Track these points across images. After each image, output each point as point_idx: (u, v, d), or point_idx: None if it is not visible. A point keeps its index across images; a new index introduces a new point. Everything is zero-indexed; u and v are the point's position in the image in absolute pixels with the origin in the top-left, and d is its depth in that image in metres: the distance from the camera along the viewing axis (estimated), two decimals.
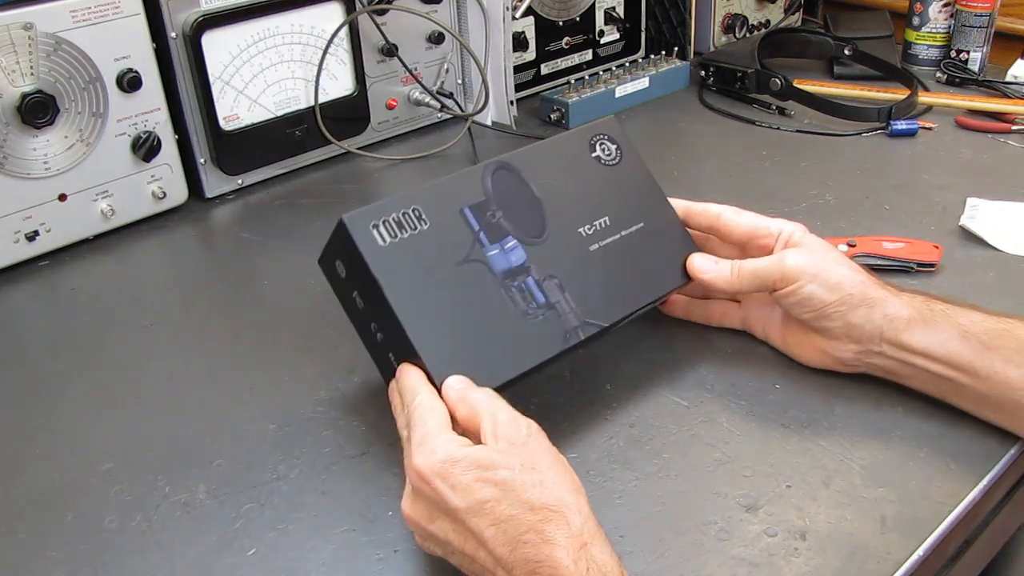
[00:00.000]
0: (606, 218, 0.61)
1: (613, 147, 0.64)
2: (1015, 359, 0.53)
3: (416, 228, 0.54)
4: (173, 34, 0.83)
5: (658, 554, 0.48)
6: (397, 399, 0.52)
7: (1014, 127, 0.98)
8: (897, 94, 1.05)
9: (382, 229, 0.53)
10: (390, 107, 1.01)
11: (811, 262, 0.57)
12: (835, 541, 0.48)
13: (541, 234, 0.58)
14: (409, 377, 0.51)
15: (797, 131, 1.01)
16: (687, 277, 0.62)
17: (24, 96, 0.75)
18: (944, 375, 0.55)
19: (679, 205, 0.64)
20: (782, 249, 0.59)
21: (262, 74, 0.90)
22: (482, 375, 0.52)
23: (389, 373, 0.54)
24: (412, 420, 0.48)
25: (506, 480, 0.43)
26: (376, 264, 0.52)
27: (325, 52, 0.92)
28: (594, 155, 0.63)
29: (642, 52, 1.23)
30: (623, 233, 0.61)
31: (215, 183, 0.91)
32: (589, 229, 0.60)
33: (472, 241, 0.56)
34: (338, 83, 0.95)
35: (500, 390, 0.53)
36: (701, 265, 0.62)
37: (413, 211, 0.55)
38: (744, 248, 0.63)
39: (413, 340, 0.51)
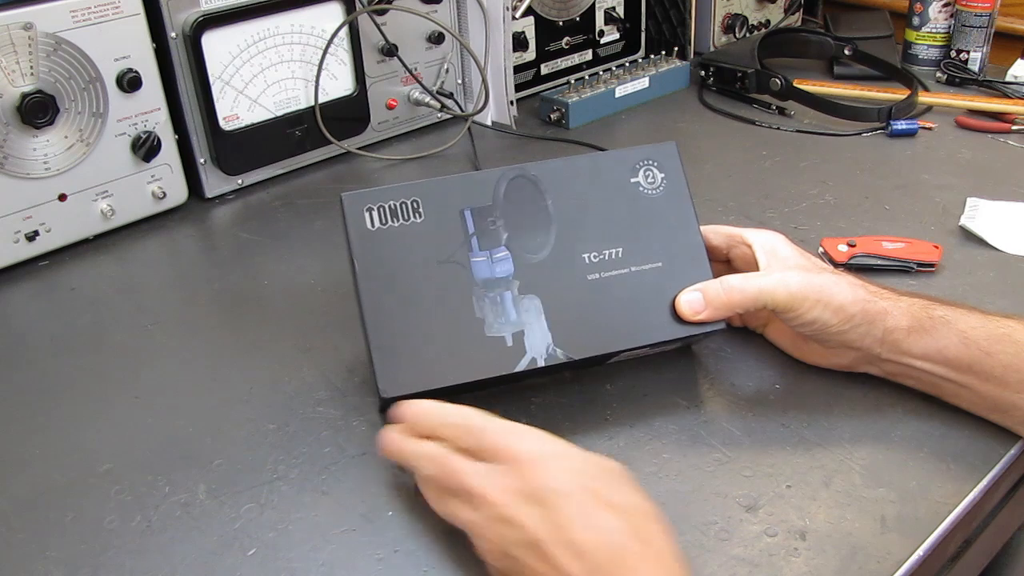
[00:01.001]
0: (619, 249, 0.58)
1: (659, 176, 0.60)
2: (1015, 363, 0.53)
3: (409, 219, 0.55)
4: (173, 34, 0.83)
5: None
6: (405, 433, 0.50)
7: (1014, 127, 0.98)
8: (897, 94, 1.05)
9: (375, 213, 0.54)
10: (390, 107, 1.01)
11: (811, 285, 0.55)
12: (835, 541, 0.48)
13: (539, 251, 0.57)
14: (424, 404, 0.51)
15: (797, 131, 1.01)
16: (692, 331, 0.58)
17: (24, 96, 0.75)
18: (945, 377, 0.55)
19: None
20: (766, 262, 0.58)
21: (262, 74, 0.90)
22: (421, 374, 0.53)
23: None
24: (488, 432, 0.47)
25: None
26: (357, 245, 0.54)
27: (325, 52, 0.92)
28: (634, 180, 0.60)
29: (642, 52, 1.23)
30: (633, 269, 0.58)
31: (215, 183, 0.91)
32: (595, 257, 0.58)
33: (461, 243, 0.55)
34: (338, 83, 0.95)
35: (445, 396, 0.53)
36: (690, 306, 0.57)
37: (412, 202, 0.55)
38: (728, 261, 0.63)
39: (367, 323, 0.53)
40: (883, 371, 0.58)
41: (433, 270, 0.55)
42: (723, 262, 0.63)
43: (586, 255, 0.57)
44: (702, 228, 0.61)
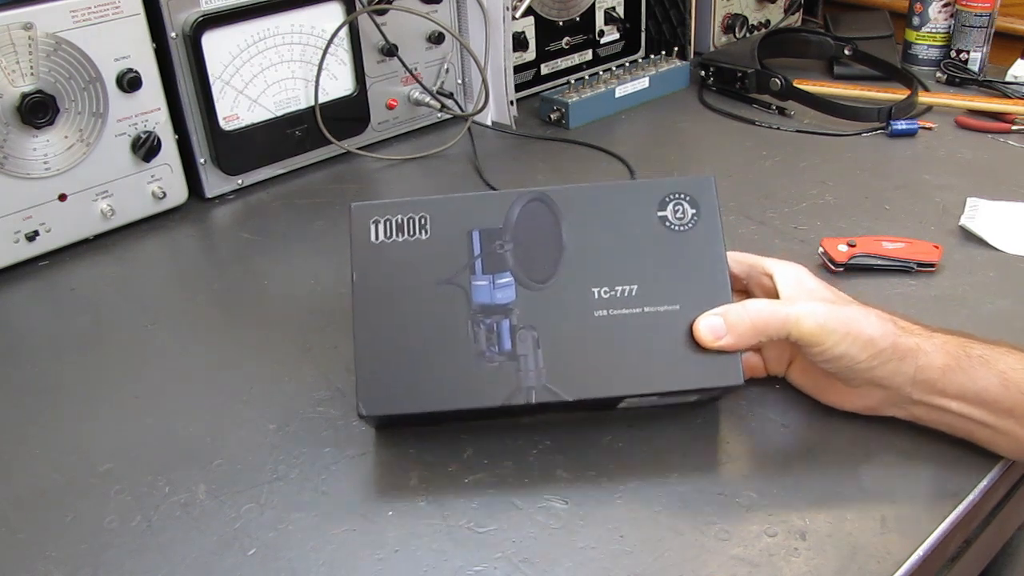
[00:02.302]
0: (634, 287, 0.54)
1: (690, 212, 0.55)
2: None
3: (415, 235, 0.54)
4: (173, 34, 0.83)
5: (658, 554, 0.48)
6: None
7: (1014, 127, 0.98)
8: (897, 94, 1.05)
9: (381, 226, 0.54)
10: (390, 107, 1.01)
11: (839, 317, 0.51)
12: (835, 541, 0.48)
13: (545, 280, 0.54)
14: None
15: (797, 131, 1.01)
16: (702, 383, 0.53)
17: (24, 96, 0.75)
18: (982, 421, 0.51)
19: None
20: (789, 293, 0.54)
21: (262, 74, 0.90)
22: (403, 395, 0.51)
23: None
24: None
25: None
26: (359, 257, 0.53)
27: (325, 52, 0.92)
28: (661, 214, 0.55)
29: (642, 52, 1.23)
30: (646, 309, 0.53)
31: (215, 183, 0.91)
32: (606, 292, 0.54)
33: (465, 265, 0.53)
34: (338, 83, 0.95)
35: (428, 423, 0.53)
36: (712, 330, 0.52)
37: (420, 218, 0.54)
38: (747, 289, 0.59)
39: (356, 336, 0.52)
40: (912, 414, 0.54)
41: (432, 290, 0.53)
42: (740, 291, 0.59)
43: (596, 290, 0.54)
44: (744, 254, 0.58)
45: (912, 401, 0.52)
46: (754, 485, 0.52)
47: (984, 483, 0.52)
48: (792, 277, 0.55)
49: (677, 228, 0.55)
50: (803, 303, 0.52)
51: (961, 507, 0.50)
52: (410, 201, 0.54)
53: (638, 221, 0.55)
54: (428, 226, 0.54)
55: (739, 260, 0.58)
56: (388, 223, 0.54)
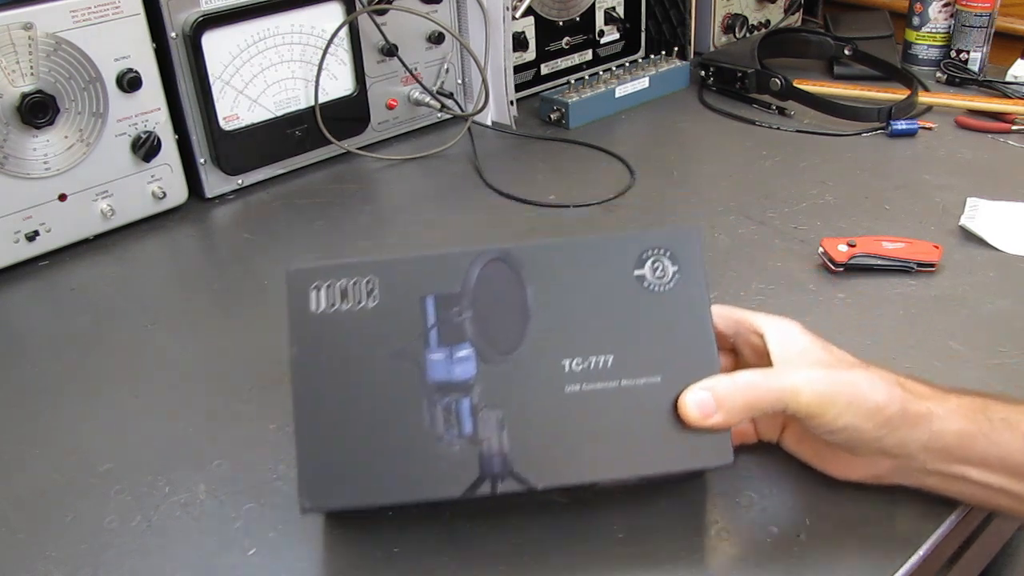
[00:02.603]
0: (609, 357, 0.48)
1: (672, 269, 0.49)
2: None
3: (361, 303, 0.48)
4: (173, 34, 0.83)
5: (658, 554, 0.48)
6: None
7: (1014, 127, 0.98)
8: (897, 94, 1.05)
9: (323, 293, 0.48)
10: (390, 107, 1.01)
11: (840, 384, 0.46)
12: (835, 541, 0.48)
13: (510, 352, 0.47)
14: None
15: (797, 131, 1.01)
16: (687, 465, 0.48)
17: (24, 96, 0.75)
18: (1005, 488, 0.46)
19: None
20: (782, 356, 0.48)
21: (262, 74, 0.90)
22: (351, 487, 0.46)
23: None
24: None
25: None
26: (298, 329, 0.47)
27: (325, 52, 0.92)
28: (638, 273, 0.49)
29: (642, 52, 1.23)
30: (623, 383, 0.48)
31: (215, 183, 0.91)
32: (578, 365, 0.48)
33: (418, 335, 0.47)
34: (338, 83, 0.95)
35: (381, 511, 0.49)
36: (700, 408, 0.47)
37: (367, 283, 0.48)
38: (734, 348, 0.54)
39: (296, 420, 0.46)
40: (924, 484, 0.48)
41: (382, 365, 0.47)
42: (727, 351, 0.54)
43: (567, 361, 0.48)
44: (734, 308, 0.53)
45: (926, 471, 0.47)
46: (754, 484, 0.52)
47: None
48: (785, 337, 0.49)
49: (656, 288, 0.49)
50: (799, 371, 0.47)
51: (961, 507, 0.50)
52: (355, 263, 0.48)
53: (613, 281, 0.49)
54: (376, 292, 0.48)
55: (725, 316, 0.53)
56: (330, 289, 0.48)
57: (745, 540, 0.49)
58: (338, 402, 0.47)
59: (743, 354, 0.53)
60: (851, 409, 0.45)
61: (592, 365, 0.48)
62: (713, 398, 0.46)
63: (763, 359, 0.49)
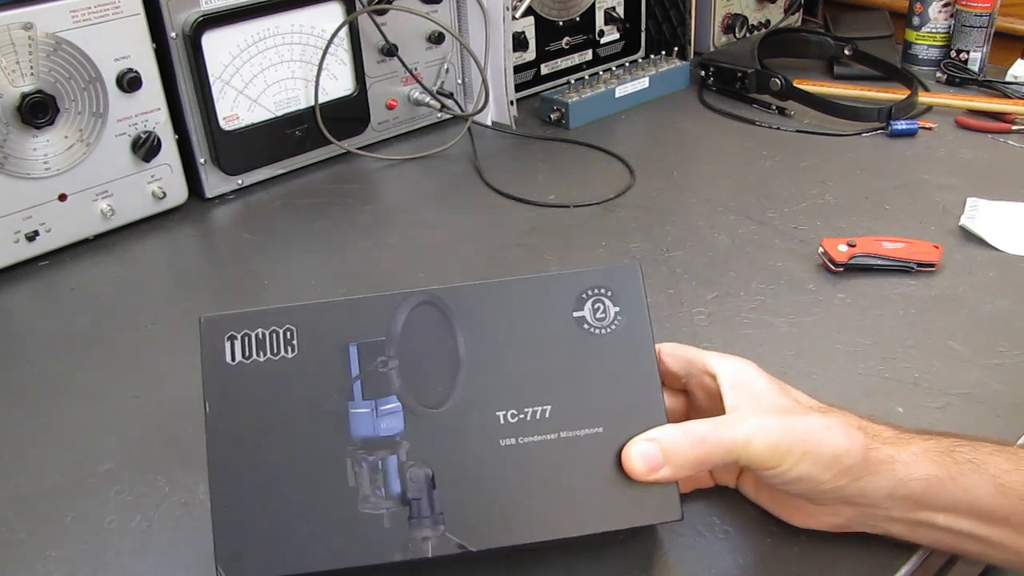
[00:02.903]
0: (547, 408, 0.45)
1: (613, 310, 0.46)
2: None
3: (278, 354, 0.44)
4: (173, 34, 0.83)
5: (658, 555, 0.48)
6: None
7: (1014, 127, 0.98)
8: (897, 94, 1.05)
9: (238, 343, 0.45)
10: (390, 107, 1.01)
11: (795, 433, 0.43)
12: (836, 541, 0.48)
13: (439, 404, 0.44)
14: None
15: (797, 131, 1.01)
16: (634, 522, 0.45)
17: (24, 96, 0.75)
18: (973, 534, 0.44)
19: None
20: (735, 402, 0.45)
21: (262, 74, 0.90)
22: (272, 555, 0.43)
23: None
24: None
25: None
26: (211, 383, 0.44)
27: (325, 52, 0.92)
28: (578, 315, 0.46)
29: (642, 52, 1.23)
30: (563, 435, 0.45)
31: (215, 183, 0.91)
32: (513, 416, 0.44)
33: (340, 388, 0.44)
34: (338, 83, 0.95)
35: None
36: (646, 460, 0.44)
37: (285, 332, 0.45)
38: (686, 389, 0.51)
39: (211, 482, 0.43)
40: (888, 531, 0.46)
41: (302, 421, 0.44)
42: (680, 391, 0.51)
43: (501, 414, 0.45)
44: (660, 348, 0.49)
45: (891, 519, 0.45)
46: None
47: None
48: (739, 380, 0.46)
49: (597, 331, 0.46)
50: (751, 419, 0.44)
51: None
52: (272, 311, 0.45)
53: (550, 324, 0.46)
54: (295, 341, 0.45)
55: (677, 355, 0.50)
56: (246, 339, 0.44)
57: (745, 540, 0.49)
58: (256, 462, 0.44)
59: (695, 396, 0.50)
60: (807, 459, 0.43)
61: (529, 416, 0.45)
62: (660, 450, 0.44)
63: (716, 401, 0.47)
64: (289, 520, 0.43)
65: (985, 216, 0.79)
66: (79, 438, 0.59)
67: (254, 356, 0.45)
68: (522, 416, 0.45)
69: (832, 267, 0.72)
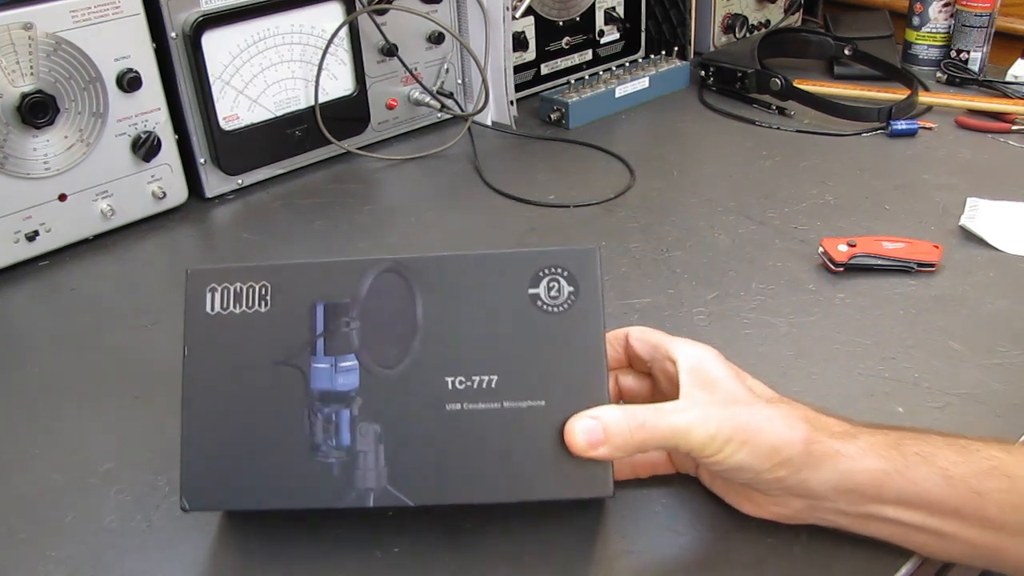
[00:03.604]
0: (494, 378, 0.47)
1: (567, 290, 0.47)
2: (1010, 501, 0.44)
3: (253, 307, 0.48)
4: (173, 34, 0.83)
5: (658, 555, 0.48)
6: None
7: (1014, 127, 0.98)
8: (897, 94, 1.05)
9: (218, 295, 0.48)
10: (390, 107, 1.01)
11: (735, 422, 0.44)
12: (836, 541, 0.48)
13: (394, 366, 0.47)
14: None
15: (797, 131, 1.01)
16: (564, 494, 0.46)
17: (24, 96, 0.75)
18: (924, 526, 0.45)
19: None
20: (688, 389, 0.47)
21: (262, 74, 0.90)
22: (230, 491, 0.47)
23: None
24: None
25: None
26: (192, 328, 0.48)
27: (325, 52, 0.92)
28: (533, 291, 0.47)
29: (642, 52, 1.23)
30: (505, 404, 0.46)
31: (215, 183, 0.91)
32: (460, 383, 0.47)
33: (306, 343, 0.47)
34: (338, 83, 0.95)
35: (258, 512, 0.50)
36: (588, 436, 0.45)
37: (261, 287, 0.48)
38: (651, 372, 0.52)
39: (184, 419, 0.48)
40: (838, 524, 0.47)
41: (268, 371, 0.47)
42: (645, 375, 0.53)
43: (450, 379, 0.47)
44: (630, 331, 0.51)
45: (839, 511, 0.46)
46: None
47: None
48: (696, 364, 0.48)
49: (550, 309, 0.47)
50: (694, 410, 0.45)
51: None
52: (251, 267, 0.49)
53: (506, 299, 0.47)
54: (268, 297, 0.48)
55: (644, 340, 0.51)
56: (226, 292, 0.48)
57: (746, 540, 0.49)
58: (224, 404, 0.47)
59: (658, 380, 0.52)
60: (745, 448, 0.44)
61: (476, 384, 0.47)
62: (602, 429, 0.45)
63: (675, 387, 0.48)
64: (249, 460, 0.47)
65: (985, 216, 0.79)
66: (79, 438, 0.59)
67: (231, 308, 0.48)
68: (469, 384, 0.47)
69: (832, 267, 0.72)
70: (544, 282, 0.48)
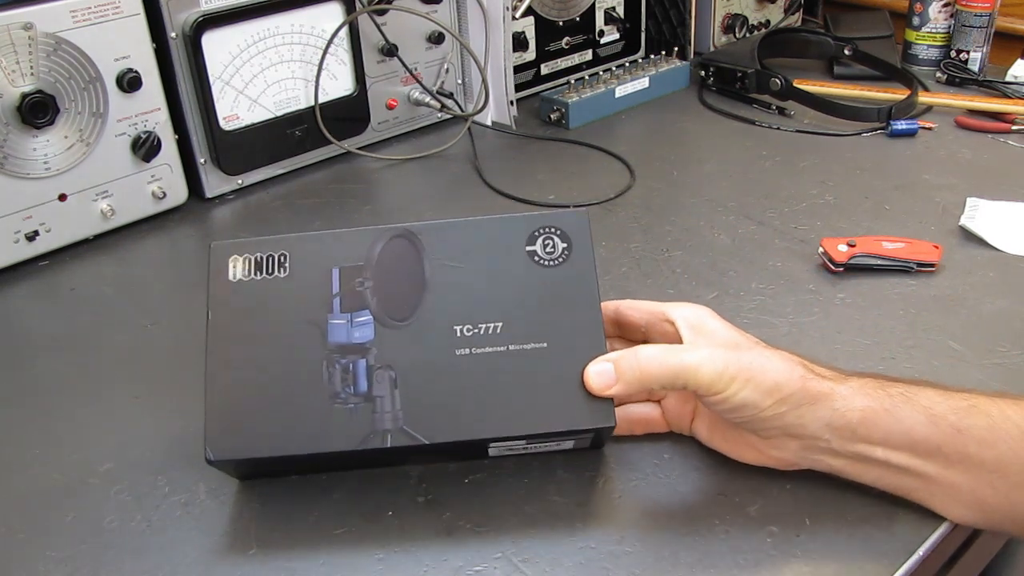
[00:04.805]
0: (498, 324, 0.51)
1: (561, 246, 0.53)
2: (988, 438, 0.46)
3: (273, 274, 0.52)
4: (173, 34, 0.83)
5: (658, 554, 0.48)
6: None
7: (1014, 127, 0.98)
8: (897, 94, 1.05)
9: (240, 264, 0.52)
10: (390, 107, 1.01)
11: (739, 362, 0.48)
12: (836, 541, 0.48)
13: (405, 319, 0.51)
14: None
15: (797, 131, 1.01)
16: (568, 425, 0.50)
17: (24, 96, 0.75)
18: (907, 467, 0.47)
19: None
20: (691, 338, 0.50)
21: (262, 74, 0.90)
22: (252, 440, 0.49)
23: None
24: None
25: None
26: (215, 295, 0.52)
27: (325, 52, 0.92)
28: (529, 249, 0.53)
29: (642, 52, 1.23)
30: (511, 347, 0.50)
31: (215, 183, 0.91)
32: (468, 331, 0.51)
33: (323, 303, 0.51)
34: (338, 83, 0.95)
35: (289, 471, 0.52)
36: (601, 377, 0.49)
37: (279, 256, 0.52)
38: (647, 339, 0.55)
39: (207, 377, 0.50)
40: (832, 468, 0.49)
41: (288, 330, 0.51)
42: (641, 342, 0.54)
43: (459, 328, 0.51)
44: (620, 303, 0.55)
45: (832, 452, 0.48)
46: (755, 485, 0.52)
47: None
48: (694, 320, 0.51)
49: (546, 263, 0.52)
50: (701, 350, 0.49)
51: None
52: (270, 239, 0.53)
53: (505, 256, 0.52)
54: (288, 264, 0.52)
55: (637, 307, 0.55)
56: (247, 261, 0.52)
57: (746, 540, 0.49)
58: (246, 363, 0.50)
59: (656, 343, 0.53)
60: (749, 386, 0.47)
61: (482, 331, 0.51)
62: (614, 370, 0.49)
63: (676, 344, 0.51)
64: (270, 412, 0.49)
65: (985, 216, 0.79)
66: (79, 438, 0.59)
67: (252, 275, 0.52)
68: (476, 331, 0.51)
69: (832, 267, 0.72)
70: (540, 240, 0.53)
